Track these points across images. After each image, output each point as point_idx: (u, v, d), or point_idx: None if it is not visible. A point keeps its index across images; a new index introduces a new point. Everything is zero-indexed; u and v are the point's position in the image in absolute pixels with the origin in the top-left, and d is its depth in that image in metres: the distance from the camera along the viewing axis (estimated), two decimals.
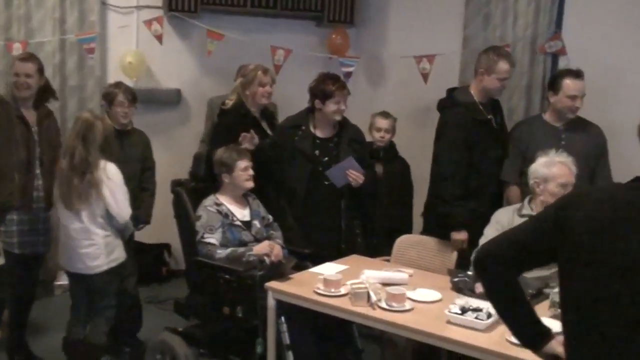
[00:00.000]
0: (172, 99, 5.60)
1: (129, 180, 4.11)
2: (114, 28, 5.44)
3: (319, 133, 4.04)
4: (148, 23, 5.22)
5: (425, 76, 5.23)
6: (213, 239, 3.59)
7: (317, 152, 4.00)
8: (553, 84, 4.06)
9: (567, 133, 4.01)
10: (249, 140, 3.92)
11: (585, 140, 4.00)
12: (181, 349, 3.62)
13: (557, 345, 1.98)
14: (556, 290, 2.94)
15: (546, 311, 2.95)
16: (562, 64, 4.93)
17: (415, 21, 5.57)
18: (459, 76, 5.29)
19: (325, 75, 4.06)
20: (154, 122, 5.43)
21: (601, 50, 4.70)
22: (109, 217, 3.59)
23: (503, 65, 4.00)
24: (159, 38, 5.23)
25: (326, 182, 3.96)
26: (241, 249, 3.58)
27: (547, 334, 2.01)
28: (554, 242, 1.89)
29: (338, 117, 3.99)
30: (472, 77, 5.09)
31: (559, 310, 2.83)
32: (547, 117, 4.13)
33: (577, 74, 3.98)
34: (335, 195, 3.99)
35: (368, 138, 4.55)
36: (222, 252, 3.55)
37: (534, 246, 1.96)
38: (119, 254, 3.67)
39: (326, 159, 3.99)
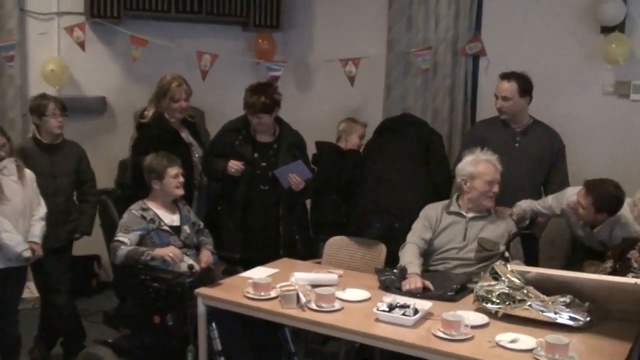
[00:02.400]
0: (97, 107, 5.49)
1: (57, 194, 4.02)
2: (33, 35, 5.29)
3: (258, 138, 4.05)
4: (69, 29, 5.11)
5: (351, 79, 5.30)
6: (125, 238, 3.55)
7: (256, 155, 4.01)
8: None
9: (523, 136, 4.08)
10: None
11: (540, 144, 4.06)
12: None
13: None
14: (480, 284, 3.03)
15: (471, 305, 3.04)
16: (483, 64, 5.10)
17: (340, 25, 5.65)
18: (384, 79, 5.40)
19: (255, 85, 4.07)
20: (79, 131, 5.27)
21: (519, 50, 4.88)
22: None
23: None
24: (82, 45, 5.13)
25: (263, 187, 3.98)
26: (142, 248, 3.54)
27: None
28: None
29: (260, 128, 4.01)
30: (397, 79, 5.25)
31: (483, 304, 2.95)
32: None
33: (503, 76, 4.07)
34: (273, 200, 4.03)
35: (340, 142, 4.66)
36: (124, 249, 3.52)
37: None
38: None
39: (264, 164, 4.00)
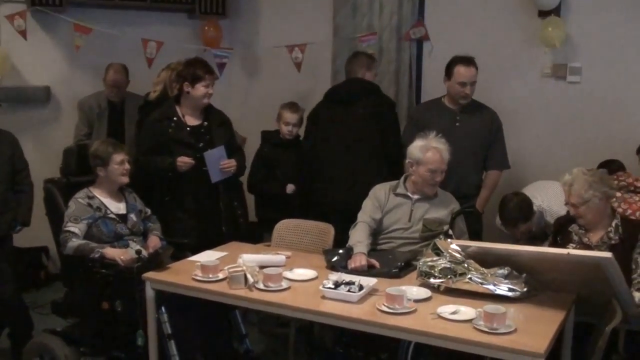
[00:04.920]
0: (40, 97, 5.41)
1: None
2: None
3: (189, 121, 4.06)
4: (10, 18, 5.03)
5: (298, 65, 5.35)
6: (75, 228, 3.53)
7: (192, 140, 4.03)
8: (447, 69, 4.15)
9: (462, 115, 4.17)
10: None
11: (479, 123, 4.16)
12: (60, 350, 3.54)
13: None
14: (422, 261, 3.12)
15: (414, 281, 3.13)
16: (426, 49, 5.20)
17: (286, 11, 5.69)
18: (331, 64, 5.45)
19: (194, 59, 4.10)
20: (23, 121, 5.24)
21: (461, 34, 4.99)
22: None
23: None
24: (23, 34, 5.05)
25: (204, 168, 3.99)
26: (93, 245, 3.51)
27: None
28: None
29: (206, 101, 4.03)
30: (343, 64, 5.30)
31: (426, 279, 3.04)
32: (445, 100, 4.25)
33: (468, 61, 4.09)
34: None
35: (275, 127, 4.67)
36: (75, 242, 3.50)
37: None
38: None
39: (201, 144, 4.02)
